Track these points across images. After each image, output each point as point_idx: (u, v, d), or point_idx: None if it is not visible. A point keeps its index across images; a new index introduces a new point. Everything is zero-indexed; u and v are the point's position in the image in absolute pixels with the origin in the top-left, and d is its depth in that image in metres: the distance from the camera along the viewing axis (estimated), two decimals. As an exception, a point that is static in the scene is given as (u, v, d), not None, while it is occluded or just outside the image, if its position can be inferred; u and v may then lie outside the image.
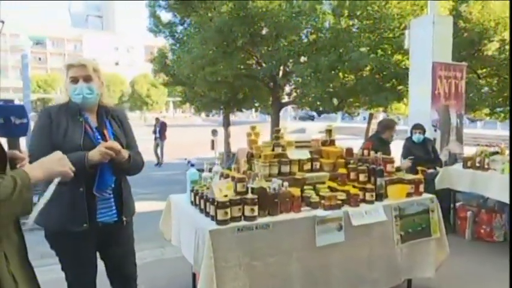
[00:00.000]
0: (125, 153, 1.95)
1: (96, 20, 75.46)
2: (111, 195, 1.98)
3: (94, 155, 1.83)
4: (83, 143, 1.89)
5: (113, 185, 1.97)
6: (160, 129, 13.07)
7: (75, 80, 1.93)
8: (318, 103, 9.14)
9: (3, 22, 1.26)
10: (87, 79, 1.94)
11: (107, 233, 2.01)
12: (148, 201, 6.39)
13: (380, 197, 2.72)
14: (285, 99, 11.93)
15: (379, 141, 4.37)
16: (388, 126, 4.58)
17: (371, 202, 2.65)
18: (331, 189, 2.70)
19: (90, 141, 1.91)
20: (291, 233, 2.33)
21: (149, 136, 13.04)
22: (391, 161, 2.97)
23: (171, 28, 10.52)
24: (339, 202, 2.54)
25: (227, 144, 13.60)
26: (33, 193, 1.11)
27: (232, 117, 15.47)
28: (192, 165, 2.72)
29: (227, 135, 13.73)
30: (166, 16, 10.71)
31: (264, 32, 8.81)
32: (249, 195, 2.25)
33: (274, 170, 2.66)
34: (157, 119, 13.64)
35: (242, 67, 9.06)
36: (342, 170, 2.83)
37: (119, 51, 64.19)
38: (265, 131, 3.78)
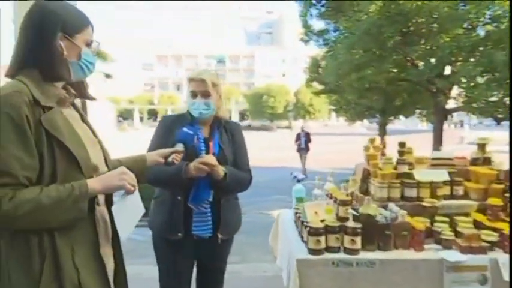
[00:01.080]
0: (220, 170, 1.86)
1: (267, 36, 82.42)
2: (208, 210, 1.92)
3: (190, 168, 1.82)
4: (186, 152, 1.86)
5: (210, 199, 1.91)
6: (305, 140, 12.34)
7: (194, 95, 1.97)
8: (494, 108, 7.40)
9: (98, 43, 1.40)
10: (205, 94, 1.95)
11: (202, 246, 1.97)
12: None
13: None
14: (451, 104, 10.14)
15: None
16: None
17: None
18: (477, 224, 2.01)
19: (194, 151, 1.90)
20: (405, 277, 1.80)
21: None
22: None
23: (323, 36, 10.45)
24: (486, 244, 1.86)
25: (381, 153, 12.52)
26: (86, 204, 1.15)
27: (395, 126, 14.19)
28: (298, 180, 2.46)
29: (383, 145, 12.67)
30: (319, 24, 10.73)
31: (419, 28, 7.69)
32: (350, 223, 1.85)
33: (395, 194, 2.15)
34: (302, 128, 13.08)
35: (396, 70, 8.15)
36: (496, 201, 2.08)
37: (286, 63, 68.29)
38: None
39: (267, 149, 20.69)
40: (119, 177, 1.23)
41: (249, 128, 52.13)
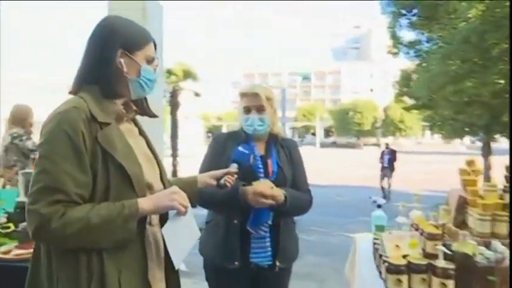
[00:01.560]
0: (280, 194, 1.70)
1: (353, 51, 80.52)
2: (267, 234, 1.77)
3: (248, 193, 1.67)
4: (242, 172, 1.74)
5: (269, 222, 1.75)
6: (390, 158, 11.10)
7: (247, 110, 1.86)
8: None
9: (157, 59, 1.43)
10: (260, 109, 1.83)
11: (260, 276, 1.80)
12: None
13: None
14: None
15: None
16: None
17: None
18: None
19: (251, 170, 1.76)
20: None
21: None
22: None
23: (414, 47, 9.70)
24: None
25: (485, 177, 11.02)
26: (135, 224, 1.10)
27: (501, 145, 12.43)
28: (379, 205, 2.17)
29: (487, 167, 11.17)
30: (409, 35, 10.00)
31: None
32: (441, 262, 1.54)
33: (501, 229, 1.75)
34: (386, 145, 11.88)
35: (502, 81, 7.09)
36: None
37: (374, 78, 65.65)
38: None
39: (353, 167, 19.85)
40: (170, 196, 1.17)
41: (334, 145, 50.93)
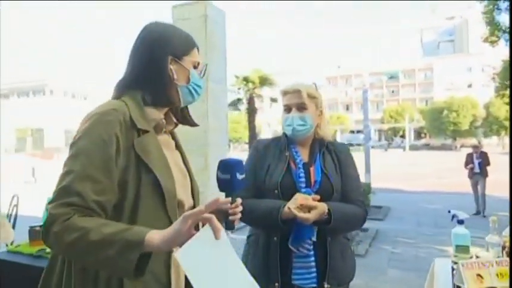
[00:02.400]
0: (322, 210, 1.48)
1: (447, 45, 73.85)
2: (312, 252, 1.57)
3: (287, 210, 1.48)
4: (281, 181, 1.60)
5: (313, 239, 1.55)
6: (481, 162, 8.90)
7: (288, 109, 1.69)
8: None
9: (206, 65, 1.35)
10: (301, 108, 1.66)
11: None
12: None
13: None
14: None
15: None
16: None
17: None
18: None
19: (291, 179, 1.61)
20: None
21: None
22: None
23: (519, 33, 8.38)
24: None
25: None
26: (135, 256, 0.89)
27: None
28: (460, 221, 1.79)
29: None
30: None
31: None
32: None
33: None
34: (475, 147, 9.24)
35: None
36: None
37: (472, 72, 59.20)
38: None
39: (448, 171, 18.05)
40: (189, 234, 0.90)
41: (427, 147, 47.09)
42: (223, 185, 1.12)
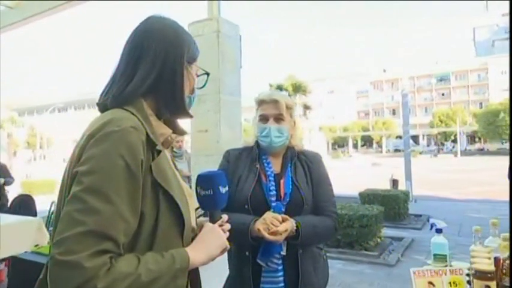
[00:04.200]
0: (290, 228, 1.47)
1: (503, 43, 69.15)
2: (280, 267, 1.54)
3: (255, 229, 1.48)
4: (251, 195, 1.57)
5: (282, 253, 1.53)
6: None
7: (264, 119, 1.66)
8: None
9: (208, 74, 1.34)
10: (279, 119, 1.64)
11: None
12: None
13: None
14: None
15: None
16: None
17: None
18: None
19: (262, 193, 1.58)
20: None
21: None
22: None
23: None
24: None
25: None
26: (185, 280, 0.90)
27: None
28: (439, 230, 1.64)
29: None
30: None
31: None
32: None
33: None
34: None
35: None
36: None
37: (533, 72, 54.83)
38: None
39: (503, 178, 16.80)
40: (219, 243, 0.98)
41: (481, 152, 44.16)
42: (206, 202, 1.05)
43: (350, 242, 6.19)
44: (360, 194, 8.94)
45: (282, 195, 1.57)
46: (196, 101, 3.95)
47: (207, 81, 1.11)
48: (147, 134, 0.88)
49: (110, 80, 0.99)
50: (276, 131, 1.63)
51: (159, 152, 0.91)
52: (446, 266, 1.45)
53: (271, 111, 1.65)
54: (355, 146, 58.10)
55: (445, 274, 1.29)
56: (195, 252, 0.91)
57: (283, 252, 1.53)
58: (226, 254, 1.63)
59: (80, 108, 56.19)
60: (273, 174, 1.63)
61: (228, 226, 1.08)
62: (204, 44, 3.46)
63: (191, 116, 1.05)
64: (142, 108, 0.93)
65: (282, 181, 1.60)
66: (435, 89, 64.36)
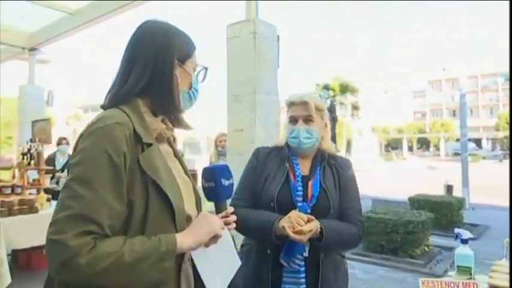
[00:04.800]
0: (314, 230, 1.46)
1: None
2: (303, 268, 1.53)
3: (279, 226, 1.47)
4: (278, 194, 1.58)
5: (305, 254, 1.52)
6: None
7: (294, 120, 1.67)
8: None
9: (206, 68, 1.29)
10: (308, 120, 1.65)
11: None
12: None
13: None
14: None
15: None
16: None
17: None
18: None
19: (289, 193, 1.58)
20: None
21: None
22: None
23: None
24: None
25: None
26: (172, 263, 0.95)
27: None
28: (464, 241, 1.56)
29: None
30: None
31: None
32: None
33: None
34: None
35: None
36: None
37: None
38: None
39: None
40: (209, 229, 1.01)
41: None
42: (209, 193, 1.12)
43: (394, 248, 5.95)
44: (410, 199, 8.56)
45: (309, 197, 1.57)
46: (232, 100, 4.03)
47: (205, 75, 1.17)
48: (134, 129, 0.97)
49: (111, 83, 1.09)
50: (305, 132, 1.64)
51: (150, 144, 0.99)
52: (470, 278, 1.36)
53: (300, 112, 1.66)
54: (410, 148, 55.42)
55: (457, 287, 1.21)
56: (183, 237, 0.97)
57: (306, 254, 1.52)
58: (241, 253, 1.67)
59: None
60: (301, 176, 1.63)
61: (233, 218, 1.13)
62: (241, 45, 3.52)
63: (183, 112, 1.13)
64: (137, 107, 1.03)
65: (310, 183, 1.60)
66: (502, 89, 59.51)
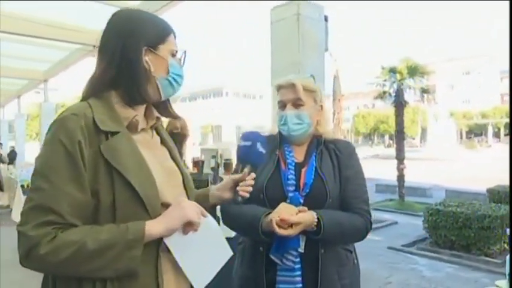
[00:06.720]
0: (310, 221, 1.30)
1: None
2: (298, 266, 1.37)
3: (268, 221, 1.31)
4: (267, 183, 1.43)
5: (300, 250, 1.36)
6: None
7: (282, 105, 1.50)
8: None
9: (185, 52, 1.18)
10: (297, 104, 1.47)
11: None
12: None
13: None
14: None
15: None
16: None
17: None
18: None
19: (279, 182, 1.43)
20: None
21: None
22: None
23: None
24: None
25: None
26: (140, 251, 0.92)
27: None
28: None
29: None
30: None
31: None
32: None
33: None
34: None
35: None
36: None
37: None
38: None
39: None
40: (182, 214, 0.97)
41: None
42: (243, 152, 1.18)
43: (466, 244, 5.42)
44: (488, 191, 7.78)
45: (302, 186, 1.42)
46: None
47: (184, 58, 1.13)
48: (94, 119, 0.96)
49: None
50: (294, 118, 1.47)
51: (115, 133, 0.98)
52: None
53: (288, 96, 1.49)
54: (496, 134, 50.05)
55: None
56: (154, 224, 0.95)
57: (301, 249, 1.36)
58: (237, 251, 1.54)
59: (207, 98, 61.39)
60: (293, 163, 1.47)
61: (251, 182, 1.17)
62: (285, 28, 3.37)
63: (162, 98, 1.10)
64: (106, 98, 1.03)
65: (303, 170, 1.45)
66: None
